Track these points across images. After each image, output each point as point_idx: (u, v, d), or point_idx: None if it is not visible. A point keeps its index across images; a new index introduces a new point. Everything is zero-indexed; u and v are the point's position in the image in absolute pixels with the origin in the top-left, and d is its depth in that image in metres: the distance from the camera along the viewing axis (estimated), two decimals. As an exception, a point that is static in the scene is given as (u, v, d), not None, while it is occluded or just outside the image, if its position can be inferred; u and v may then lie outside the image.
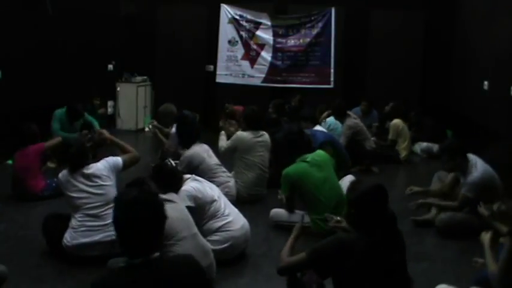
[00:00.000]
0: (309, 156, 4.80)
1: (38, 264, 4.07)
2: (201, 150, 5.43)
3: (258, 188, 5.79)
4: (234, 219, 4.19)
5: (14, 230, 4.71)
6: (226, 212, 4.17)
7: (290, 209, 4.92)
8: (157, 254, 2.12)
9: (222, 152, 5.86)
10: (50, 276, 3.89)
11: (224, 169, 5.65)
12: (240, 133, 5.84)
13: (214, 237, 4.01)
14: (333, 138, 6.43)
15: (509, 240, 2.86)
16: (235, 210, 4.36)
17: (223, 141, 5.98)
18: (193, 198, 3.99)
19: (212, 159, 5.51)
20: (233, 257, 4.14)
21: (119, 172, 4.35)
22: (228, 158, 5.96)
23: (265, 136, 5.90)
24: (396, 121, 7.92)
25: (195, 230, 3.65)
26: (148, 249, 2.09)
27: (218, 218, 4.10)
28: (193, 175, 4.34)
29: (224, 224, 4.09)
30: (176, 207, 3.57)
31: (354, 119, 7.39)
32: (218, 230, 4.05)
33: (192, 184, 4.12)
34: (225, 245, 4.03)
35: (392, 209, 2.70)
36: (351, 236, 2.68)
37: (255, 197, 5.74)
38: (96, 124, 7.19)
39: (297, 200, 4.93)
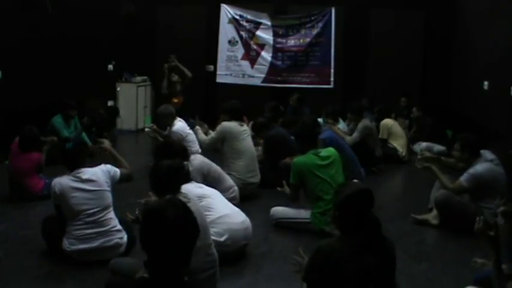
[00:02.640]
0: (322, 151, 4.86)
1: (38, 264, 4.05)
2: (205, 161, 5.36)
3: (251, 174, 5.85)
4: (231, 213, 4.21)
5: (14, 230, 4.70)
6: (221, 208, 4.16)
7: (293, 199, 4.91)
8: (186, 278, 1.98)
9: (206, 144, 5.96)
10: (50, 276, 3.88)
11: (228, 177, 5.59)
12: (226, 123, 5.94)
13: (212, 229, 3.99)
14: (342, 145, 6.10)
15: None
16: (236, 209, 4.37)
17: (202, 135, 6.19)
18: None
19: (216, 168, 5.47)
20: (233, 251, 4.10)
21: (114, 183, 4.23)
22: (211, 149, 6.10)
23: (245, 126, 6.09)
24: (385, 120, 8.01)
25: (210, 241, 3.46)
26: (173, 267, 1.96)
27: (210, 212, 4.04)
28: None
29: (219, 217, 4.09)
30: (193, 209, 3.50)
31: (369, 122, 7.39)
32: (213, 222, 4.01)
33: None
34: (224, 237, 4.03)
35: (375, 215, 2.68)
36: (329, 242, 2.71)
37: (250, 187, 5.79)
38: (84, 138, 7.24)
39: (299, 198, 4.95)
